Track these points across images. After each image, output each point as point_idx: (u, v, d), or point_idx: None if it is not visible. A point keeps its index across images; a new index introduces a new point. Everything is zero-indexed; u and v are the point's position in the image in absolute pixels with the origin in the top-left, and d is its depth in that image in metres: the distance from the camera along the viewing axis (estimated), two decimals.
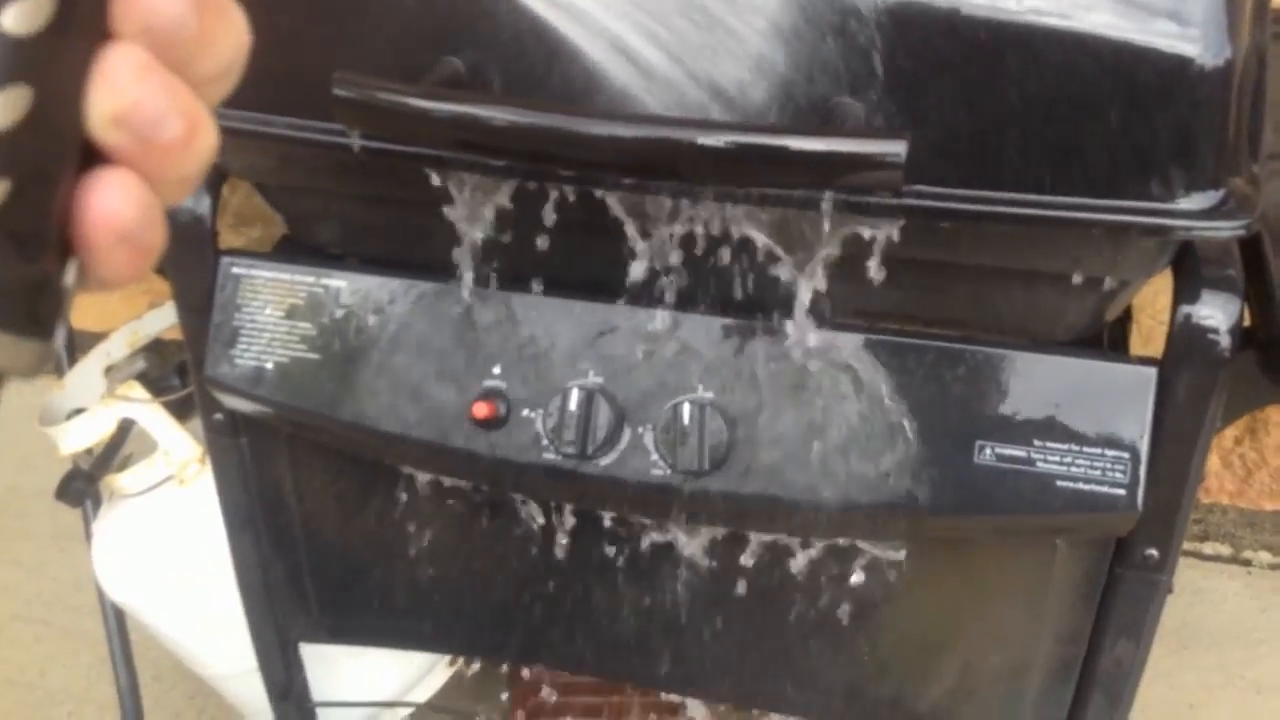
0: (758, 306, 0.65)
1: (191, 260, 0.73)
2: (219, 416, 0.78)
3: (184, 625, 1.05)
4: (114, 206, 0.24)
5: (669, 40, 0.54)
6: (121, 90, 0.23)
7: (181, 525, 0.99)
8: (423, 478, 0.76)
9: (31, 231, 0.23)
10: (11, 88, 0.22)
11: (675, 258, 0.64)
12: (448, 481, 0.76)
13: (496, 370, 0.69)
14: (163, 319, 1.05)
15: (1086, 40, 0.53)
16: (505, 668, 1.14)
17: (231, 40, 0.25)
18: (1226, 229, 0.55)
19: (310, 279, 0.71)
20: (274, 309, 0.72)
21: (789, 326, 0.65)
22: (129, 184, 0.24)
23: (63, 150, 0.23)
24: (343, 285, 0.71)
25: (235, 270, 0.72)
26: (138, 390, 0.98)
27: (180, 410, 0.99)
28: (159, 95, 0.24)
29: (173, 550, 1.00)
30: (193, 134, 0.24)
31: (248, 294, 0.72)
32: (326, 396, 0.71)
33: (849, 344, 0.65)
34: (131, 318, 1.09)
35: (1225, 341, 0.60)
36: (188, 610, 1.03)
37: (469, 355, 0.69)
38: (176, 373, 0.99)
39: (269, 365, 0.72)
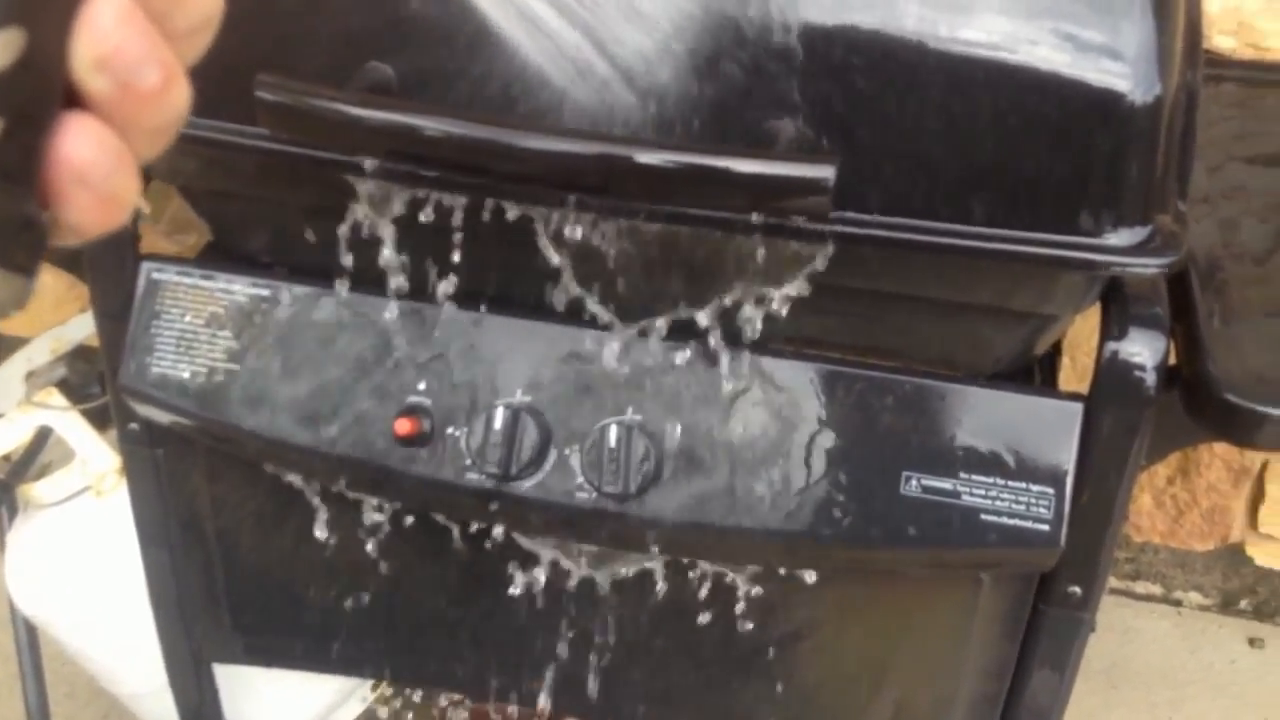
0: (688, 330, 0.65)
1: (110, 263, 0.71)
2: (134, 426, 0.75)
3: (96, 641, 1.02)
4: (77, 149, 0.25)
5: (607, 44, 0.53)
6: (105, 34, 0.24)
7: (97, 538, 0.96)
8: (344, 495, 0.75)
9: (20, 170, 0.24)
10: (7, 29, 0.23)
11: (607, 277, 0.63)
12: (369, 500, 0.74)
13: (421, 386, 0.68)
14: (87, 325, 1.03)
15: (1018, 72, 0.53)
16: (429, 693, 1.12)
17: None
18: (1153, 266, 0.55)
19: (233, 287, 0.70)
20: (194, 317, 0.70)
21: (719, 351, 0.64)
22: (96, 129, 0.25)
23: (50, 92, 0.25)
24: (266, 295, 0.69)
25: (155, 275, 0.70)
26: (56, 397, 0.95)
27: (100, 419, 0.97)
28: (139, 41, 0.25)
29: (87, 563, 0.97)
30: (169, 84, 0.25)
31: (167, 300, 0.70)
32: (245, 409, 0.69)
33: (778, 371, 0.64)
34: (58, 323, 1.06)
35: (1151, 379, 0.60)
36: (101, 626, 1.00)
37: (393, 370, 0.68)
38: (98, 380, 0.96)
39: (186, 374, 0.70)
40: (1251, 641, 1.33)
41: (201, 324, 0.70)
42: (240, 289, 0.70)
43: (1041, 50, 0.53)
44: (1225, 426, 0.59)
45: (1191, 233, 0.58)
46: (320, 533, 0.76)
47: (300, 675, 0.96)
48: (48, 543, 0.98)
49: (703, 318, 0.63)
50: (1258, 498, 1.26)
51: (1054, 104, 0.53)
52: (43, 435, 0.96)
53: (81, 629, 1.01)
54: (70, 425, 0.95)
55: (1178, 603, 1.37)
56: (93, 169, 0.25)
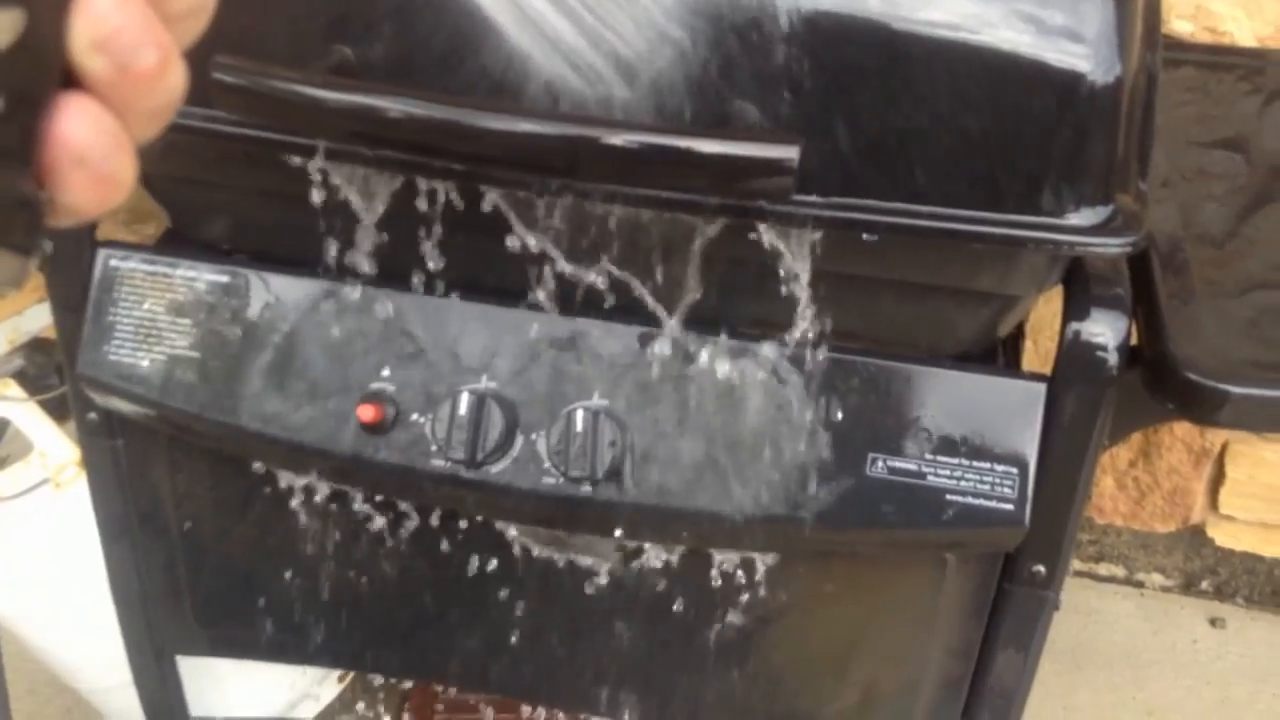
0: (653, 314, 0.64)
1: (67, 251, 0.69)
2: (93, 416, 0.74)
3: (58, 636, 1.00)
4: (74, 129, 0.25)
5: (579, 14, 0.53)
6: (103, 17, 0.25)
7: (56, 531, 0.95)
8: (307, 483, 0.74)
9: (18, 150, 0.25)
10: (7, 10, 0.24)
11: (573, 262, 0.63)
12: (332, 488, 0.74)
13: (385, 372, 0.67)
14: (45, 315, 1.01)
15: (980, 54, 0.53)
16: (395, 682, 1.12)
17: None
18: (1114, 246, 0.55)
19: (192, 274, 0.69)
20: (153, 304, 0.69)
21: (684, 336, 0.64)
22: (93, 110, 0.25)
23: (48, 73, 0.25)
24: (226, 282, 0.68)
25: (113, 263, 0.69)
26: (14, 389, 0.94)
27: (59, 411, 0.95)
28: (137, 24, 0.25)
29: (47, 557, 0.96)
30: (165, 66, 0.25)
31: (125, 288, 0.69)
32: (206, 396, 0.68)
33: (743, 354, 0.64)
34: (15, 314, 1.04)
35: (1113, 359, 0.60)
36: (62, 620, 0.99)
37: (357, 356, 0.67)
38: (56, 371, 0.95)
39: (146, 363, 0.69)
40: (1213, 621, 1.35)
41: (161, 312, 0.69)
42: (200, 276, 0.69)
43: (1003, 31, 0.53)
44: (1186, 405, 0.60)
45: (1152, 215, 0.58)
46: (283, 523, 0.76)
47: (266, 666, 0.95)
48: (6, 537, 0.97)
49: (667, 301, 0.63)
50: (1218, 479, 1.27)
51: (1015, 84, 0.53)
52: (0, 428, 0.95)
53: (42, 624, 0.99)
54: (28, 417, 0.94)
55: (1140, 584, 1.39)
56: (90, 149, 0.25)
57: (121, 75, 0.25)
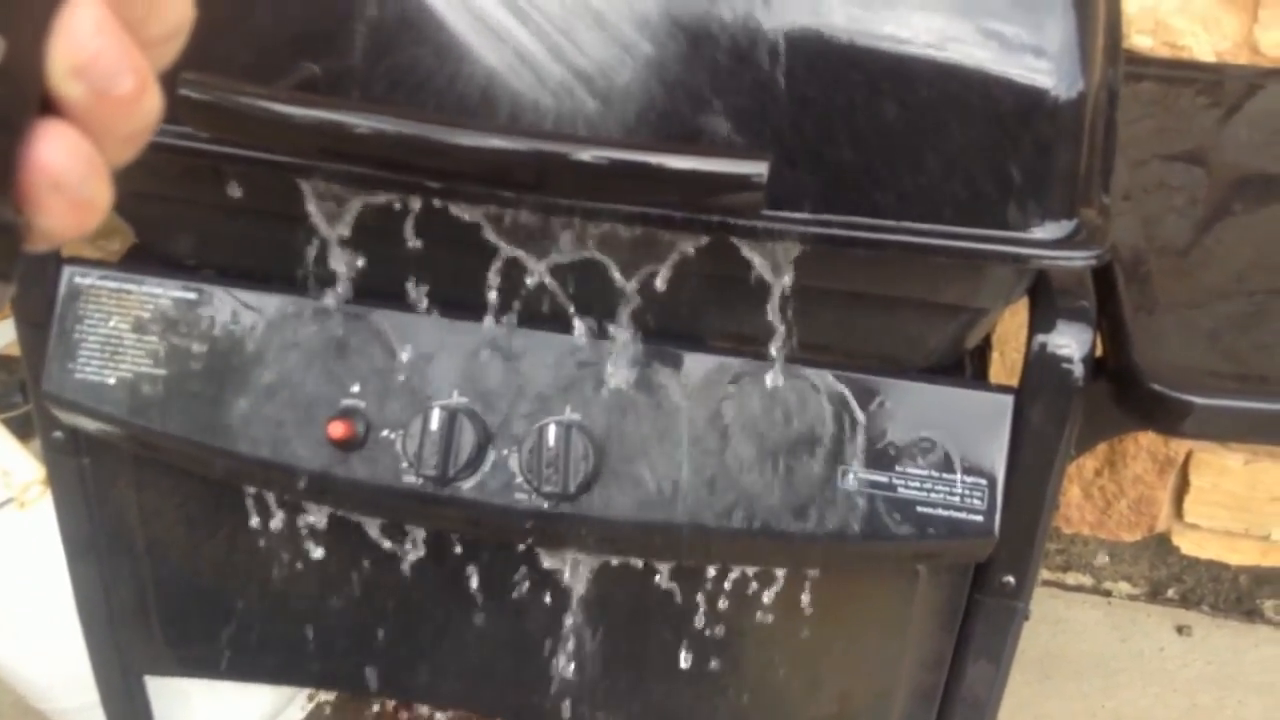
0: (626, 329, 0.64)
1: (31, 268, 0.69)
2: (58, 435, 0.74)
3: (24, 657, 0.99)
4: (51, 155, 0.25)
5: (547, 30, 0.53)
6: (82, 43, 0.25)
7: (21, 551, 0.94)
8: (276, 501, 0.73)
9: None
10: None
11: (544, 276, 0.63)
12: (302, 505, 0.73)
13: (355, 389, 0.67)
14: (9, 333, 1.00)
15: (945, 69, 0.54)
16: (366, 700, 1.11)
17: (178, 5, 0.27)
18: (1078, 259, 0.56)
19: (158, 290, 0.68)
20: (119, 321, 0.68)
21: (656, 350, 0.64)
22: (70, 136, 0.26)
23: (26, 99, 0.25)
24: (193, 298, 0.68)
25: (78, 280, 0.69)
26: None
27: (24, 430, 0.94)
28: (115, 50, 0.25)
29: (12, 578, 0.95)
30: (141, 91, 0.26)
31: (90, 305, 0.69)
32: (173, 414, 0.68)
33: (713, 368, 0.64)
34: None
35: (1078, 370, 0.61)
36: (28, 641, 0.97)
37: (326, 373, 0.67)
38: (20, 390, 0.94)
39: (112, 381, 0.68)
40: (1179, 629, 1.37)
41: (127, 329, 0.68)
42: (166, 292, 0.68)
43: (967, 47, 0.54)
44: (1151, 416, 0.60)
45: (1115, 228, 0.59)
46: (252, 541, 0.75)
47: (235, 685, 0.94)
48: None
49: (638, 315, 0.63)
50: (1182, 488, 1.29)
51: (979, 100, 0.54)
52: None
53: (7, 645, 0.98)
54: None
55: (1108, 593, 1.40)
56: (67, 175, 0.26)
57: (99, 101, 0.25)
